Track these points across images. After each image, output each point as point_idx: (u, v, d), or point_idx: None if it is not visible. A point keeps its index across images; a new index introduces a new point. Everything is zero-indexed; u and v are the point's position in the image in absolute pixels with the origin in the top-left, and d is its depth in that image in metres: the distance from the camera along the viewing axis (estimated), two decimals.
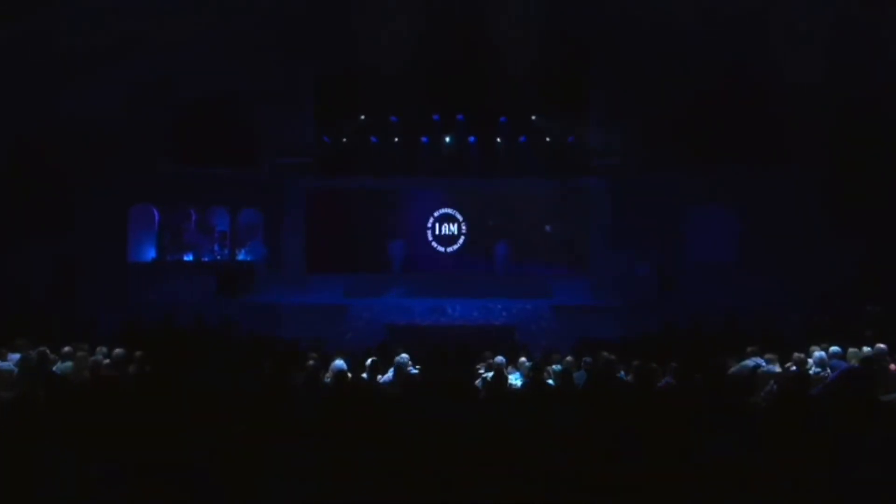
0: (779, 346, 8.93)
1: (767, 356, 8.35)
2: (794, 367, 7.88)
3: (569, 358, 8.91)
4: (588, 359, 8.66)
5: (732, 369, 8.29)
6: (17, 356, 8.21)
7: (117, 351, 8.14)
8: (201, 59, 15.72)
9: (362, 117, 17.64)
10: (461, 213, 18.49)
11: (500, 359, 8.22)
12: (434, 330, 14.12)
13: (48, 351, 8.10)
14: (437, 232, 18.48)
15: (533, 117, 17.53)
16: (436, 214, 18.52)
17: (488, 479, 4.03)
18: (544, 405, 5.54)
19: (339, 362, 8.36)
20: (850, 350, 8.19)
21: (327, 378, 7.64)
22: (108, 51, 13.81)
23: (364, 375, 8.00)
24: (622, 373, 8.08)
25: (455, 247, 18.45)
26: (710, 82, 15.89)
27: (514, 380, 8.23)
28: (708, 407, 5.29)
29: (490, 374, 7.88)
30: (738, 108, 15.99)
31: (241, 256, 17.72)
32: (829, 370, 7.68)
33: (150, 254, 17.35)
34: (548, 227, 18.01)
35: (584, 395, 5.82)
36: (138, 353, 8.02)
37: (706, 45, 15.52)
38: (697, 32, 15.25)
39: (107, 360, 8.04)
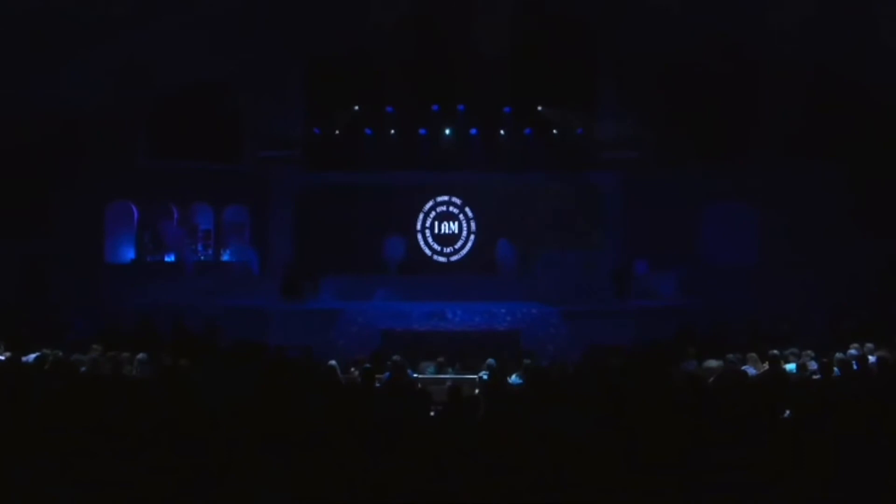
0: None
1: (790, 360, 8.42)
2: (818, 376, 7.92)
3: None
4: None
5: (753, 375, 8.33)
6: None
7: (95, 356, 8.20)
8: (183, 46, 15.75)
9: (356, 108, 17.69)
10: (462, 211, 18.54)
11: (490, 361, 8.54)
12: (433, 336, 14.06)
13: (20, 355, 8.17)
14: (436, 231, 18.53)
15: (539, 108, 17.58)
16: (435, 212, 18.57)
17: (488, 478, 4.10)
18: (545, 406, 5.65)
19: (332, 362, 8.46)
20: None
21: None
22: (83, 37, 13.86)
23: None
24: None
25: (455, 246, 18.51)
26: (725, 74, 15.98)
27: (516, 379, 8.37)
28: (716, 413, 5.37)
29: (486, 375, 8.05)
30: (756, 100, 16.06)
31: (225, 258, 17.75)
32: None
33: (129, 254, 17.38)
34: None
35: (591, 399, 5.91)
36: (119, 357, 8.09)
37: (714, 40, 15.61)
38: (707, 27, 15.37)
39: (83, 368, 8.10)
